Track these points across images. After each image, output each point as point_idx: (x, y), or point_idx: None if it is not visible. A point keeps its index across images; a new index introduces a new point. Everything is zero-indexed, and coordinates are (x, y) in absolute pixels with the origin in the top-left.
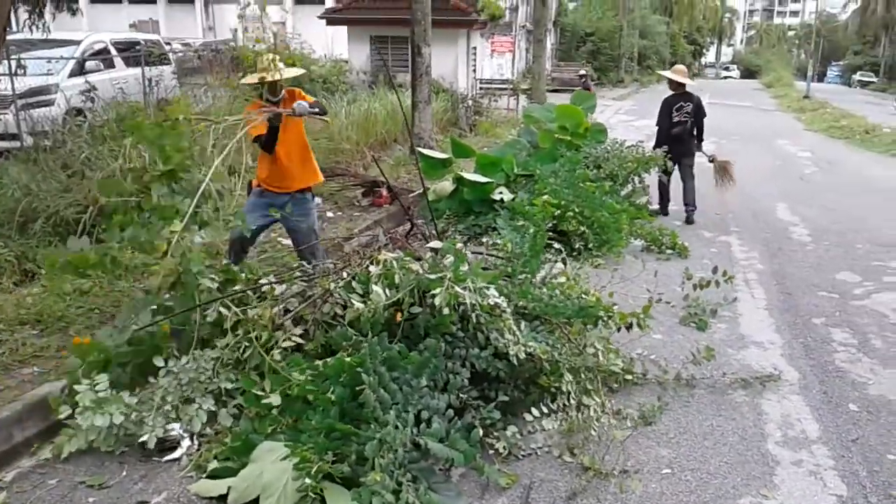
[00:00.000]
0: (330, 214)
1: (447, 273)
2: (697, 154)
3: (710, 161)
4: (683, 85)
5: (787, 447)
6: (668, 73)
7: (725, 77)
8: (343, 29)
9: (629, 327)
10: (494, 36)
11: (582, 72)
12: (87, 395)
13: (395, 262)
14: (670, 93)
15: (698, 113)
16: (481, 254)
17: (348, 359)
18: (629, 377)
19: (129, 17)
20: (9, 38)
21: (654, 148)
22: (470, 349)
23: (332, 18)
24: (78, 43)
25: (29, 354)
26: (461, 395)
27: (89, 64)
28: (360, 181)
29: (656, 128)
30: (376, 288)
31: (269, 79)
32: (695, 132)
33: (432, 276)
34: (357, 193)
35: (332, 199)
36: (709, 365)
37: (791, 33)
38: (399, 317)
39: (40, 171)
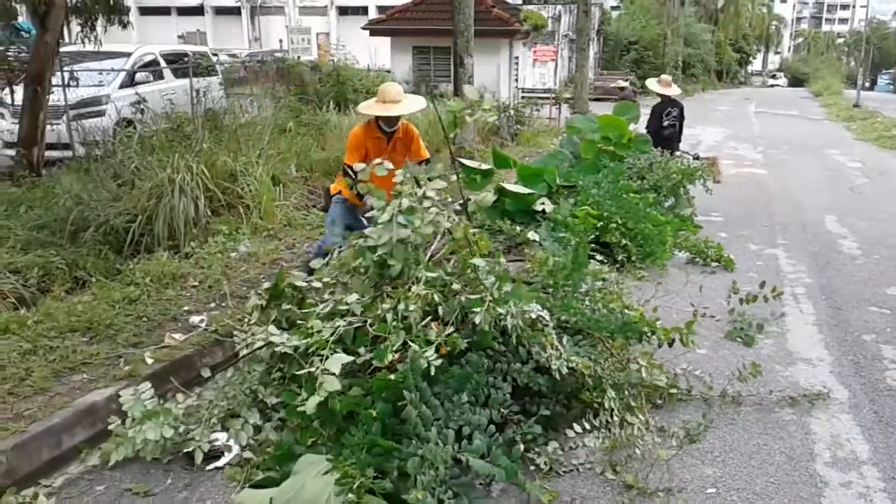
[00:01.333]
0: None
1: (487, 294)
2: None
3: (695, 159)
4: (668, 96)
5: (836, 468)
6: (656, 87)
7: (772, 85)
8: (386, 40)
9: (671, 343)
10: (537, 45)
11: (622, 83)
12: (136, 407)
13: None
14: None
15: (681, 117)
16: (521, 260)
17: (391, 376)
18: (673, 393)
19: (177, 28)
20: (63, 50)
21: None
22: (511, 363)
23: (375, 29)
24: (129, 55)
25: (79, 361)
26: (502, 410)
27: (139, 75)
28: None
29: (645, 131)
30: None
31: (396, 113)
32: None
33: (473, 297)
34: None
35: None
36: (755, 382)
37: (840, 41)
38: (444, 350)
39: (91, 180)
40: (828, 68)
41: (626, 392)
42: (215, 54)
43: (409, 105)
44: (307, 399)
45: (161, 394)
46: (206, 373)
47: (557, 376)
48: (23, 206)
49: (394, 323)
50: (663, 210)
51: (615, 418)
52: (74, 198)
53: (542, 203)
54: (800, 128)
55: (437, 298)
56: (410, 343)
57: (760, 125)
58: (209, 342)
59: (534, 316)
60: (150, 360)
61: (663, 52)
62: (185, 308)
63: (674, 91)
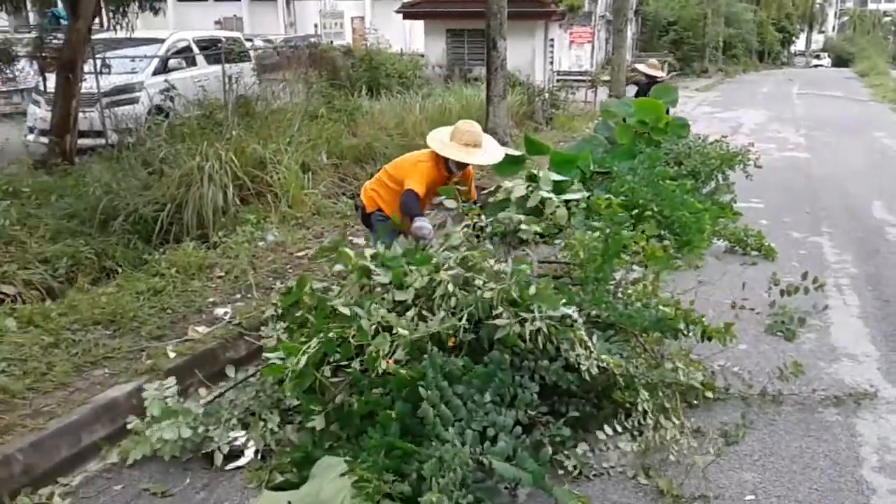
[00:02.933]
0: None
1: (510, 287)
2: None
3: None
4: (655, 77)
5: (885, 474)
6: (642, 67)
7: (816, 66)
8: (420, 23)
9: (710, 338)
10: (573, 27)
11: (640, 65)
12: (156, 405)
13: (453, 283)
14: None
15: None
16: (553, 262)
17: (410, 373)
18: (710, 393)
19: (214, 14)
20: (96, 37)
21: None
22: (539, 361)
23: (408, 13)
24: (162, 41)
25: (101, 356)
26: (529, 410)
27: (172, 62)
28: None
29: None
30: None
31: (480, 162)
32: None
33: (494, 288)
34: None
35: None
36: (797, 380)
37: (887, 19)
38: (452, 341)
39: (121, 169)
40: (874, 48)
41: (661, 392)
42: (250, 39)
43: (493, 155)
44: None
45: (184, 388)
46: (231, 372)
47: (587, 377)
48: (54, 194)
49: (381, 322)
50: (701, 197)
51: (649, 421)
52: (104, 186)
53: (576, 190)
54: (845, 109)
55: (452, 289)
56: (400, 333)
57: (804, 107)
58: (233, 335)
59: (561, 313)
60: (172, 354)
61: (703, 33)
62: (211, 300)
63: (660, 74)
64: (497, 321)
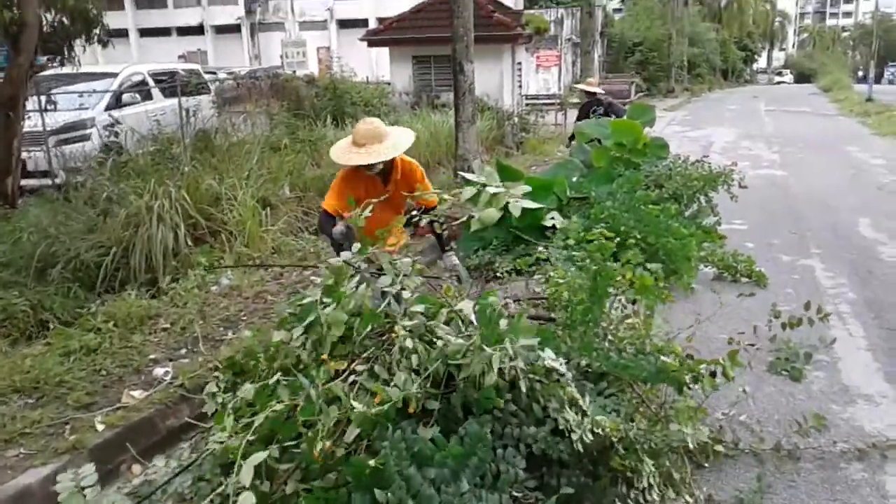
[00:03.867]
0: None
1: (475, 338)
2: None
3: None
4: (595, 93)
5: None
6: (582, 86)
7: (779, 82)
8: (385, 51)
9: (713, 374)
10: (540, 50)
11: (586, 86)
12: (73, 499)
13: (415, 340)
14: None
15: (607, 114)
16: (536, 300)
17: (371, 461)
18: (720, 447)
19: (178, 48)
20: (47, 73)
21: (570, 140)
22: (524, 426)
23: (372, 40)
24: (115, 75)
25: (17, 431)
26: (515, 491)
27: (126, 97)
28: None
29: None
30: (399, 375)
31: (366, 161)
32: None
33: (457, 342)
34: None
35: None
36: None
37: (845, 34)
38: (411, 409)
39: (63, 211)
40: (834, 63)
41: (667, 460)
42: (213, 72)
43: (385, 149)
44: None
45: (113, 468)
46: (161, 462)
47: (580, 447)
48: None
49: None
50: (685, 220)
51: (654, 497)
52: (41, 231)
53: (553, 218)
54: (814, 125)
55: (413, 345)
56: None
57: (773, 123)
58: (174, 398)
59: (547, 365)
60: (100, 426)
61: (668, 53)
62: (152, 357)
63: (598, 90)
64: (465, 365)
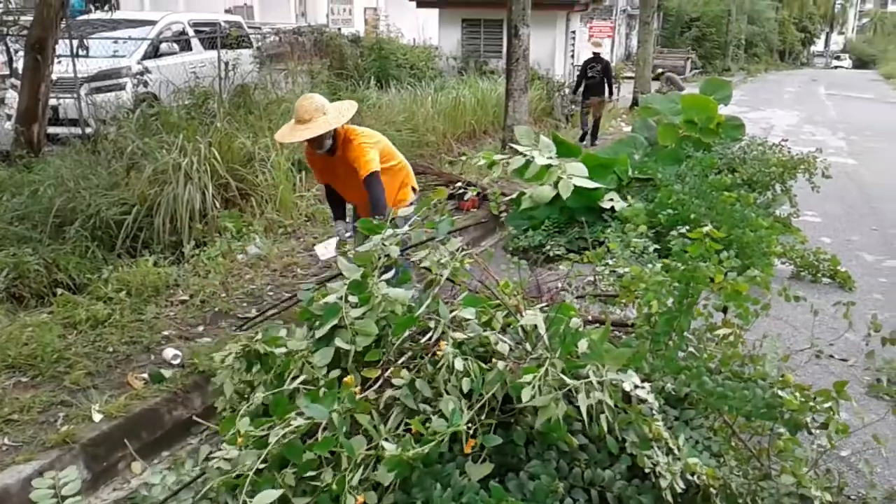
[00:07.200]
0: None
1: (548, 360)
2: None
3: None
4: (598, 53)
5: None
6: (590, 46)
7: (836, 67)
8: (434, 12)
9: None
10: (593, 21)
11: (660, 70)
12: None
13: (466, 361)
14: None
15: (606, 70)
16: (601, 296)
17: None
18: (828, 499)
19: (225, 2)
20: (85, 17)
21: (574, 91)
22: (596, 467)
23: (422, 1)
24: (154, 23)
25: (3, 417)
26: None
27: (163, 46)
28: (445, 180)
29: (576, 79)
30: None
31: (300, 138)
32: (605, 85)
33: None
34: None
35: None
36: None
37: None
38: (469, 447)
39: (86, 164)
40: None
41: None
42: (258, 27)
43: (320, 124)
44: None
45: (109, 466)
46: (157, 479)
47: (668, 496)
48: (6, 192)
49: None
50: (761, 210)
51: None
52: (61, 184)
53: (611, 199)
54: (880, 112)
55: (464, 367)
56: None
57: (836, 109)
58: (185, 385)
59: (627, 388)
60: (98, 416)
61: (726, 30)
62: (164, 333)
63: (601, 50)
64: (533, 400)
